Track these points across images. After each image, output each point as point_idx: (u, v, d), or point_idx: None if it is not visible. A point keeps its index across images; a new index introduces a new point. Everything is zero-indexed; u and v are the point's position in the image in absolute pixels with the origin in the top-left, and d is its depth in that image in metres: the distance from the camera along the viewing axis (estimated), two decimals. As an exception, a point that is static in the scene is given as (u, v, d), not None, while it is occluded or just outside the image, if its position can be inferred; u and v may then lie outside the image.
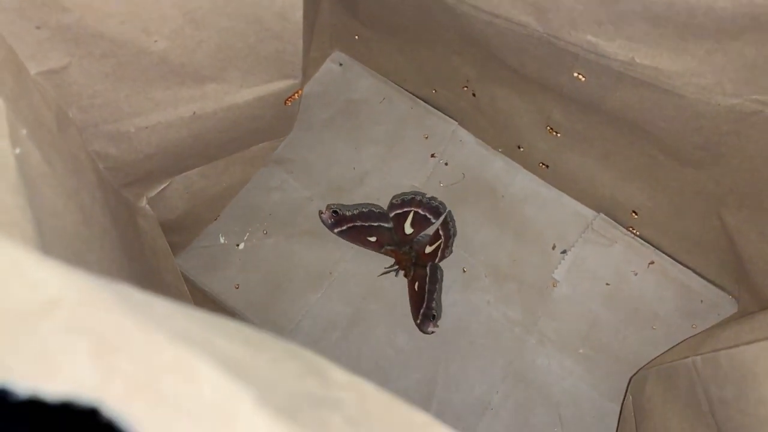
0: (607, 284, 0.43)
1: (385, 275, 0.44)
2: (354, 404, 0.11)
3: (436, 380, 0.42)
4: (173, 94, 0.31)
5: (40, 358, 0.09)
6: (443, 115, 0.47)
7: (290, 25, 0.30)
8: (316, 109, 0.48)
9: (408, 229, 0.45)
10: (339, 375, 0.12)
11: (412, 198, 0.45)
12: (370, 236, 0.44)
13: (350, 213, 0.44)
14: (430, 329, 0.42)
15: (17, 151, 0.19)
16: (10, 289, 0.10)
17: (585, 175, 0.42)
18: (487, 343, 0.43)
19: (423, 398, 0.42)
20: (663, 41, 0.27)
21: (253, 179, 0.46)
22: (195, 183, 0.40)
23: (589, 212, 0.45)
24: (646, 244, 0.44)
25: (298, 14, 0.30)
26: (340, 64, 0.49)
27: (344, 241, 0.45)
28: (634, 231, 0.44)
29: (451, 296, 0.43)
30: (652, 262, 0.43)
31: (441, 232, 0.45)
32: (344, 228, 0.44)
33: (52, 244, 0.20)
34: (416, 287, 0.43)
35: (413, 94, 0.48)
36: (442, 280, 0.44)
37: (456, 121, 0.47)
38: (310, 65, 0.47)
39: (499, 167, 0.46)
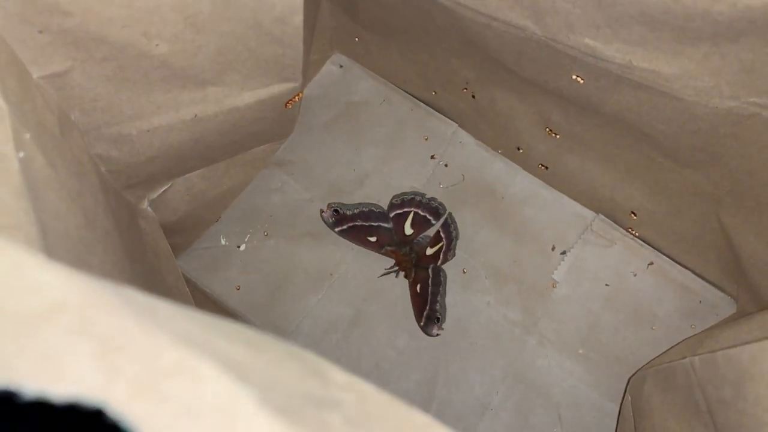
0: (607, 285, 0.43)
1: (385, 276, 0.44)
2: (354, 405, 0.11)
3: (436, 381, 0.42)
4: (174, 98, 0.31)
5: (44, 360, 0.09)
6: (443, 116, 0.47)
7: (290, 29, 0.30)
8: (317, 111, 0.48)
9: (408, 230, 0.45)
10: (339, 376, 0.12)
11: (412, 198, 0.45)
12: (371, 236, 0.44)
13: (351, 212, 0.44)
14: (435, 332, 0.42)
15: (21, 154, 0.19)
16: (14, 292, 0.10)
17: (584, 177, 0.42)
18: (487, 343, 0.43)
19: (423, 399, 0.42)
20: (660, 45, 0.27)
21: (254, 181, 0.46)
22: (196, 185, 0.40)
23: (589, 213, 0.45)
24: (645, 245, 0.44)
25: (298, 19, 0.30)
26: (341, 66, 0.49)
27: (345, 242, 0.45)
28: (634, 232, 0.44)
29: (451, 297, 0.44)
30: (652, 263, 0.43)
31: (443, 235, 0.44)
32: (345, 227, 0.44)
33: (56, 246, 0.20)
34: (418, 289, 0.43)
35: (413, 96, 0.48)
36: (445, 283, 0.44)
37: (456, 122, 0.47)
38: (310, 67, 0.47)
39: (499, 168, 0.46)
